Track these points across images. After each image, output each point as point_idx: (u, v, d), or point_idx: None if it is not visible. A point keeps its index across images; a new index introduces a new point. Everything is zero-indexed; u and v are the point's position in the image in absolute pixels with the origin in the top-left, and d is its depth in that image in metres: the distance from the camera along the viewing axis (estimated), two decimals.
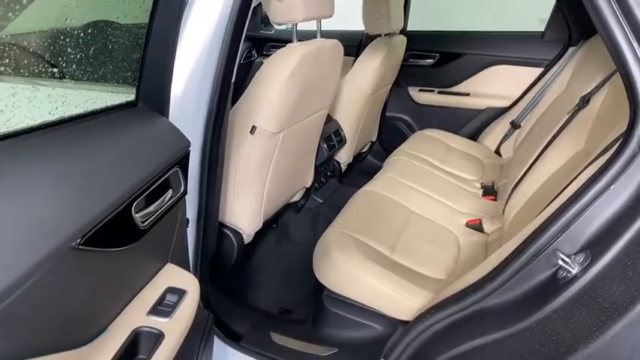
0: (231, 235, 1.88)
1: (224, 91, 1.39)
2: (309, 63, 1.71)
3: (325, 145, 2.48)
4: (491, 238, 1.96)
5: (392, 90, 3.21)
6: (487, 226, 2.05)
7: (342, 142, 2.66)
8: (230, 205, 1.84)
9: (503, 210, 1.99)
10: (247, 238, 1.93)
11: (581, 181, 1.02)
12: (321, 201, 2.73)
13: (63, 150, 0.80)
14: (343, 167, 2.85)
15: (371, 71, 2.61)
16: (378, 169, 2.55)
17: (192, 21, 1.31)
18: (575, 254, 0.99)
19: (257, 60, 3.68)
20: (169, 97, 1.14)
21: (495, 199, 2.31)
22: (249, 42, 3.67)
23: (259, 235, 2.03)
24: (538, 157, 1.88)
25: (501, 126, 3.02)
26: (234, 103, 1.74)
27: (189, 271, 1.36)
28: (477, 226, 2.05)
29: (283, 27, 3.57)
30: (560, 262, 0.98)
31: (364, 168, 3.27)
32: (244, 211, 1.86)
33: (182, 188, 1.14)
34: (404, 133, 3.32)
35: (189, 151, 1.15)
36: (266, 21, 3.71)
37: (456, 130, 3.15)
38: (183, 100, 1.31)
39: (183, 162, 1.13)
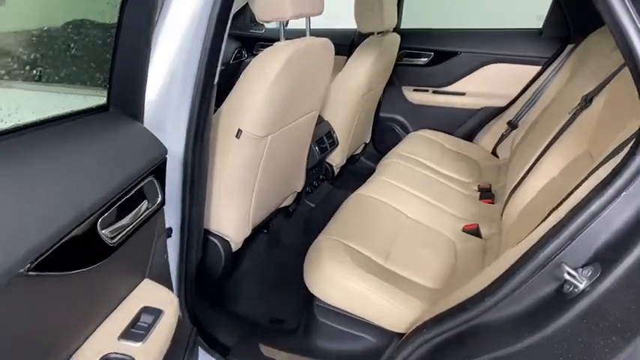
0: (218, 243, 1.80)
1: (206, 93, 1.30)
2: (297, 63, 1.63)
3: (317, 148, 2.40)
4: (489, 244, 1.89)
5: (385, 90, 3.13)
6: (484, 231, 1.98)
7: (334, 144, 2.58)
8: (216, 212, 1.76)
9: (502, 214, 1.92)
10: (235, 245, 1.86)
11: (589, 187, 0.95)
12: (313, 205, 2.65)
13: (12, 163, 0.72)
14: (336, 170, 2.77)
15: (363, 71, 2.53)
16: (371, 171, 2.48)
17: (170, 16, 1.22)
18: (582, 267, 0.91)
19: (247, 60, 3.60)
20: (144, 100, 1.06)
21: (493, 202, 2.24)
22: (239, 42, 3.59)
23: (249, 240, 1.96)
24: (538, 159, 1.81)
25: (498, 126, 2.95)
26: (220, 104, 1.66)
27: (170, 285, 1.28)
28: (474, 231, 1.97)
29: (274, 25, 3.50)
30: (566, 276, 0.91)
31: (357, 170, 3.19)
32: (232, 218, 1.78)
33: (159, 198, 1.07)
34: (398, 134, 3.25)
35: (166, 159, 1.07)
36: (256, 19, 3.62)
37: (452, 130, 3.09)
38: (161, 102, 1.22)
39: (159, 170, 1.05)
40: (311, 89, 1.88)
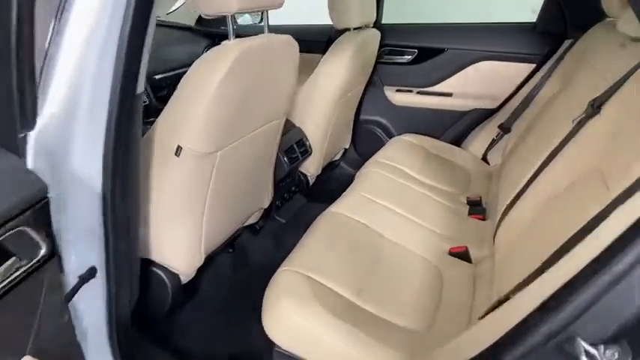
0: (163, 276, 1.54)
1: (126, 104, 1.03)
2: (249, 64, 1.37)
3: (285, 158, 2.13)
4: (479, 270, 1.64)
5: (366, 90, 2.88)
6: (474, 253, 1.73)
7: (306, 152, 2.32)
8: (158, 241, 1.50)
9: (494, 234, 1.67)
10: (185, 277, 1.60)
11: (612, 231, 0.70)
12: (283, 221, 2.40)
13: None
14: (310, 180, 2.51)
15: (338, 71, 2.26)
16: (351, 179, 2.22)
17: (76, 8, 0.95)
18: (604, 345, 0.67)
19: None
20: (27, 121, 0.80)
21: (484, 219, 1.99)
22: (210, 39, 3.33)
23: (209, 262, 1.70)
24: (537, 173, 1.56)
25: (489, 130, 2.71)
26: None
27: (76, 353, 1.02)
28: (462, 255, 1.72)
29: (250, 22, 3.25)
30: (583, 358, 0.66)
31: (336, 178, 2.94)
32: (177, 248, 1.53)
33: (43, 250, 0.80)
34: (380, 139, 3.00)
35: (48, 198, 0.81)
36: None
37: (438, 134, 2.85)
38: (65, 120, 0.96)
39: (37, 215, 0.78)
40: (272, 94, 1.62)
